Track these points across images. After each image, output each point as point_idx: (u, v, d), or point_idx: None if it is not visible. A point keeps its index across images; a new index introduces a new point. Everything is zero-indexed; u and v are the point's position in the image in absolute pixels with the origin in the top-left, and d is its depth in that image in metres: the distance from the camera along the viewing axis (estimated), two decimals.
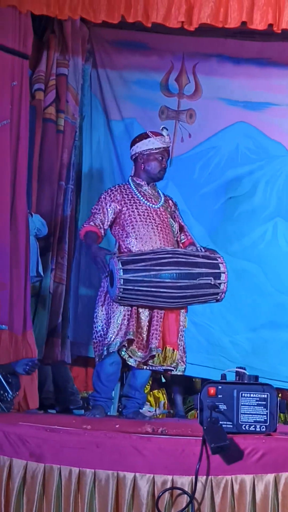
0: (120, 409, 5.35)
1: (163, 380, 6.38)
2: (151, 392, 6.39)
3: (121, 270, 4.85)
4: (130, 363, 4.98)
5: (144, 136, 5.28)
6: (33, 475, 3.62)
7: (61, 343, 6.06)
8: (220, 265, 5.06)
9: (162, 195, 5.33)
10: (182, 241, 5.31)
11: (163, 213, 5.23)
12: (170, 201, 5.36)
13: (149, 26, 5.11)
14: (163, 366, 5.00)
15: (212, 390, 3.65)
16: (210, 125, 6.40)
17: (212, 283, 4.99)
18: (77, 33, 6.27)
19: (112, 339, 4.94)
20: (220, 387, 3.67)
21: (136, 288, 4.86)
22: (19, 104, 5.44)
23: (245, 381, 3.75)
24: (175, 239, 5.24)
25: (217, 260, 5.09)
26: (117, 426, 4.02)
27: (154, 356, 4.94)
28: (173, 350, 5.00)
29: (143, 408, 5.44)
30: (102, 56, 6.48)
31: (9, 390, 4.74)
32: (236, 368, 3.84)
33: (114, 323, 4.96)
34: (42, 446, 3.63)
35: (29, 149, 5.76)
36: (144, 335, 4.99)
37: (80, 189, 6.49)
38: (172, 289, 4.91)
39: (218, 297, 5.10)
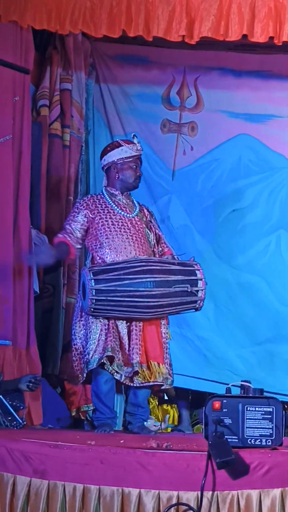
0: (126, 425, 5.31)
1: (166, 397, 6.31)
2: (159, 406, 6.33)
3: (93, 281, 4.72)
4: (117, 378, 4.83)
5: (116, 144, 5.19)
6: (37, 492, 3.59)
7: None
8: (197, 271, 4.93)
9: (137, 204, 5.21)
10: (160, 252, 5.18)
11: (138, 223, 5.10)
12: (145, 210, 5.23)
13: (150, 40, 5.13)
14: (150, 382, 4.85)
15: (217, 404, 3.61)
16: (212, 138, 6.39)
17: (189, 290, 4.86)
18: (79, 48, 6.28)
19: (91, 355, 4.80)
20: (225, 401, 3.63)
21: (109, 298, 4.73)
22: (21, 119, 5.45)
23: (250, 395, 3.71)
24: (152, 249, 5.12)
25: (193, 266, 4.97)
26: (121, 441, 3.98)
27: (137, 372, 4.80)
28: (159, 364, 4.87)
29: (148, 422, 5.39)
30: (103, 70, 6.49)
31: (18, 419, 4.67)
32: (241, 381, 3.80)
33: (91, 339, 4.82)
34: (46, 462, 3.60)
35: (36, 165, 5.77)
36: (126, 350, 4.84)
37: None
38: (147, 298, 4.78)
39: (197, 305, 4.96)
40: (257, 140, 6.31)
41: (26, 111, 5.50)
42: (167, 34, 5.05)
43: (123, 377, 4.84)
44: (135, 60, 6.42)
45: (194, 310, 5.03)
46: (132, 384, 4.88)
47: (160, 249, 5.21)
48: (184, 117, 6.46)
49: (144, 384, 4.88)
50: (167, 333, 5.03)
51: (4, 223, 5.26)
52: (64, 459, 3.59)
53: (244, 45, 6.04)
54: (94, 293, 4.71)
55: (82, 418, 6.02)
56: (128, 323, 4.90)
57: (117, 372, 4.82)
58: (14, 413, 4.66)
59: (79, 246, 5.16)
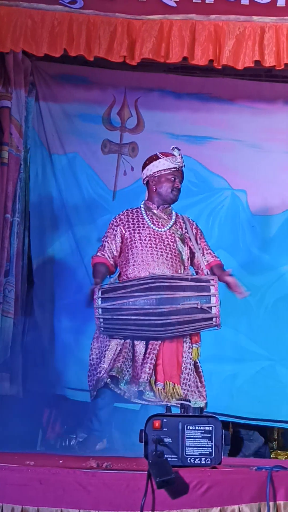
0: None
1: None
2: None
3: (99, 299, 4.72)
4: (127, 398, 4.78)
5: (153, 158, 5.20)
6: None
7: (11, 378, 5.93)
8: (211, 287, 4.80)
9: (173, 218, 5.16)
10: (207, 262, 5.14)
11: (169, 237, 5.05)
12: (182, 223, 5.16)
13: (91, 59, 5.16)
14: (163, 402, 4.74)
15: (156, 423, 3.61)
16: None
17: (199, 307, 4.74)
18: (19, 66, 6.25)
19: (102, 373, 4.77)
20: (165, 420, 3.63)
21: (115, 317, 4.69)
22: None
23: (190, 414, 3.72)
24: (185, 263, 5.04)
25: (209, 282, 4.84)
26: (60, 461, 3.95)
27: (142, 392, 4.74)
28: (174, 384, 4.78)
29: None
30: (44, 89, 6.48)
31: None
32: (181, 401, 3.81)
33: (105, 357, 4.79)
34: None
35: None
36: (138, 370, 4.78)
37: (29, 222, 6.42)
38: (153, 316, 4.69)
39: (214, 322, 4.79)
40: (196, 162, 6.38)
41: None
42: (108, 55, 5.09)
43: (132, 397, 4.79)
44: (76, 79, 6.43)
45: (215, 327, 4.87)
46: (144, 403, 4.80)
47: (209, 258, 5.16)
48: (124, 138, 6.49)
49: (157, 404, 4.78)
50: (191, 352, 4.91)
51: None
52: (2, 479, 3.53)
53: (184, 67, 6.12)
54: (100, 312, 4.72)
55: None
56: (145, 342, 4.83)
57: (125, 392, 4.77)
58: None
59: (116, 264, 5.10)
